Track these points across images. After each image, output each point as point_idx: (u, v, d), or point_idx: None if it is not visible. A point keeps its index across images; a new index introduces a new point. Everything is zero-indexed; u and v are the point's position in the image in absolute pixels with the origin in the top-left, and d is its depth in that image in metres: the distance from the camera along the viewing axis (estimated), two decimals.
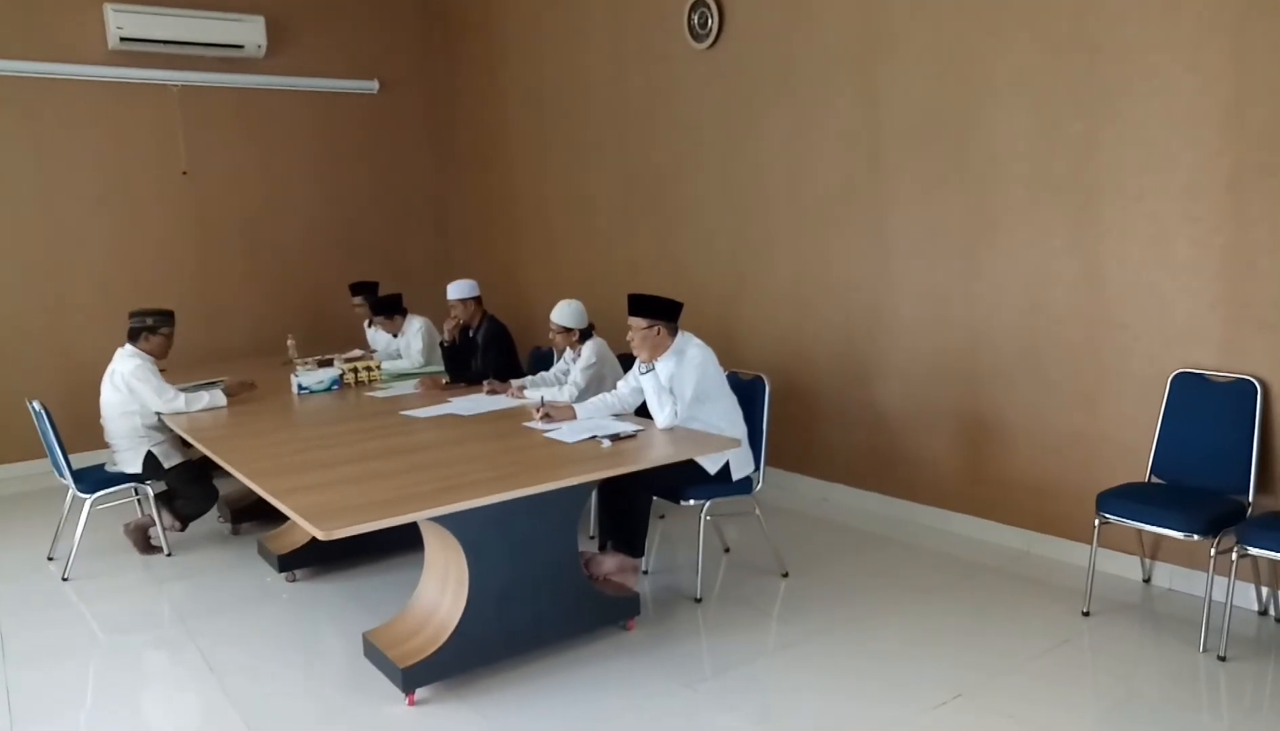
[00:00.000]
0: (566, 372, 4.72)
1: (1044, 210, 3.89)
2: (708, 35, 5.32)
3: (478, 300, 5.18)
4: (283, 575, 4.25)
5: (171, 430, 4.70)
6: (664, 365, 3.71)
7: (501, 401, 4.41)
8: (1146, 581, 3.75)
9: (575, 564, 3.36)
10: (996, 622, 3.48)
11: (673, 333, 3.77)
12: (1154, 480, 3.56)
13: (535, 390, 4.50)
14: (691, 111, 5.54)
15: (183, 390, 4.64)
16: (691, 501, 3.76)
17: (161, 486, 4.73)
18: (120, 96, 6.73)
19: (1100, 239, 3.72)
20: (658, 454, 3.35)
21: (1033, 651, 3.22)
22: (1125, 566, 3.79)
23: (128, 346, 4.64)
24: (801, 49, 4.82)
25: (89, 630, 3.85)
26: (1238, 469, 3.33)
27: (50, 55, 6.44)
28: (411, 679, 3.01)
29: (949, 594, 3.77)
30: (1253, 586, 3.40)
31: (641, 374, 3.73)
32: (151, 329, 4.64)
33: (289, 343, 6.50)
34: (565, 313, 4.47)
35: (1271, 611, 3.40)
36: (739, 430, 3.81)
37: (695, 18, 5.38)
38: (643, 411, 4.00)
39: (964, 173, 4.16)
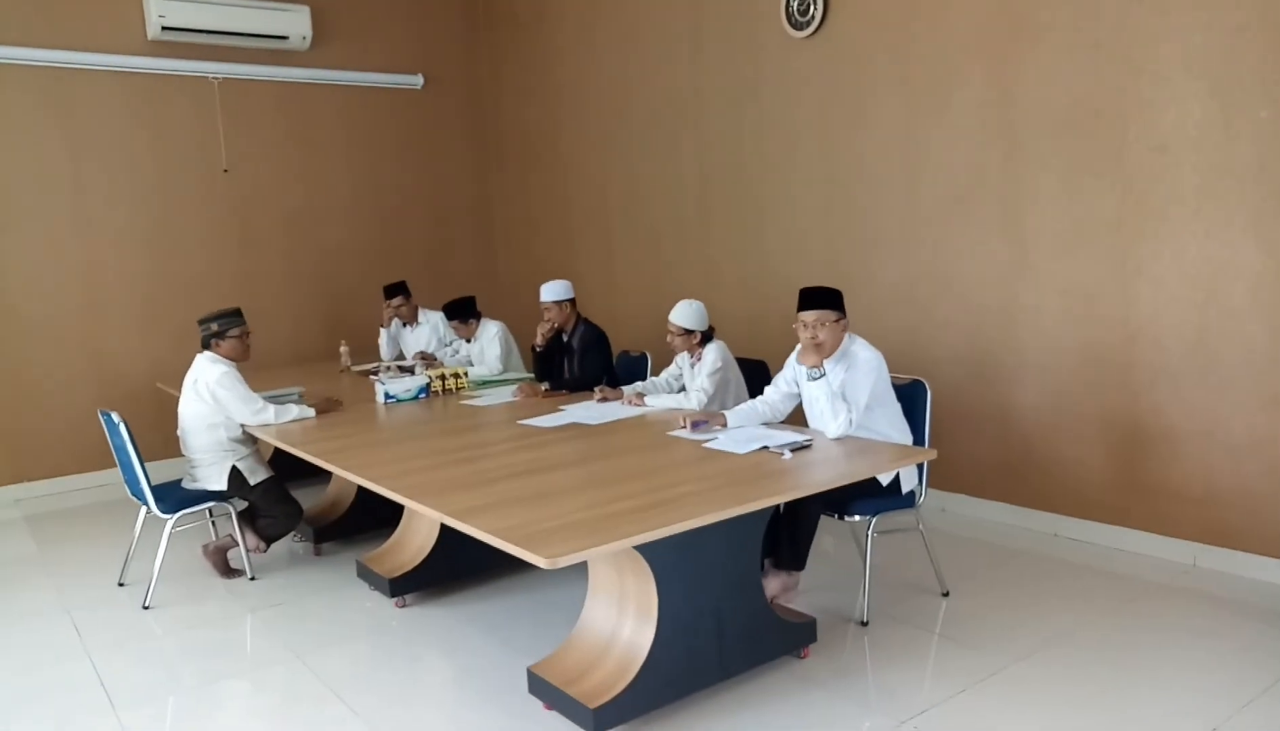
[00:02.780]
0: (679, 377, 4.42)
1: (1221, 201, 3.65)
2: (809, 23, 5.05)
3: (572, 302, 4.87)
4: (390, 600, 3.91)
5: (256, 444, 4.36)
6: (832, 369, 3.42)
7: (624, 409, 4.09)
8: None
9: (758, 587, 3.06)
10: (1204, 646, 3.22)
11: (845, 329, 3.48)
12: None
13: (655, 398, 4.19)
14: (785, 104, 5.27)
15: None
16: (857, 517, 3.47)
17: (243, 504, 4.36)
18: (159, 89, 6.36)
19: None
20: (850, 467, 3.06)
21: (1262, 681, 2.96)
22: None
23: (206, 354, 4.27)
24: (922, 34, 4.56)
25: (196, 665, 3.48)
26: None
27: (87, 45, 6.05)
28: (604, 719, 2.69)
29: (1134, 612, 3.50)
30: None
31: (812, 379, 3.44)
32: (219, 334, 4.26)
33: (342, 349, 6.16)
34: (687, 313, 4.16)
35: None
36: (906, 438, 3.54)
37: (795, 4, 5.12)
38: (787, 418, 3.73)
39: (1122, 162, 3.92)
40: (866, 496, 3.45)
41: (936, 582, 3.79)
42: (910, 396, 3.66)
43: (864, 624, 3.49)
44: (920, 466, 3.61)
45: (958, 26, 4.42)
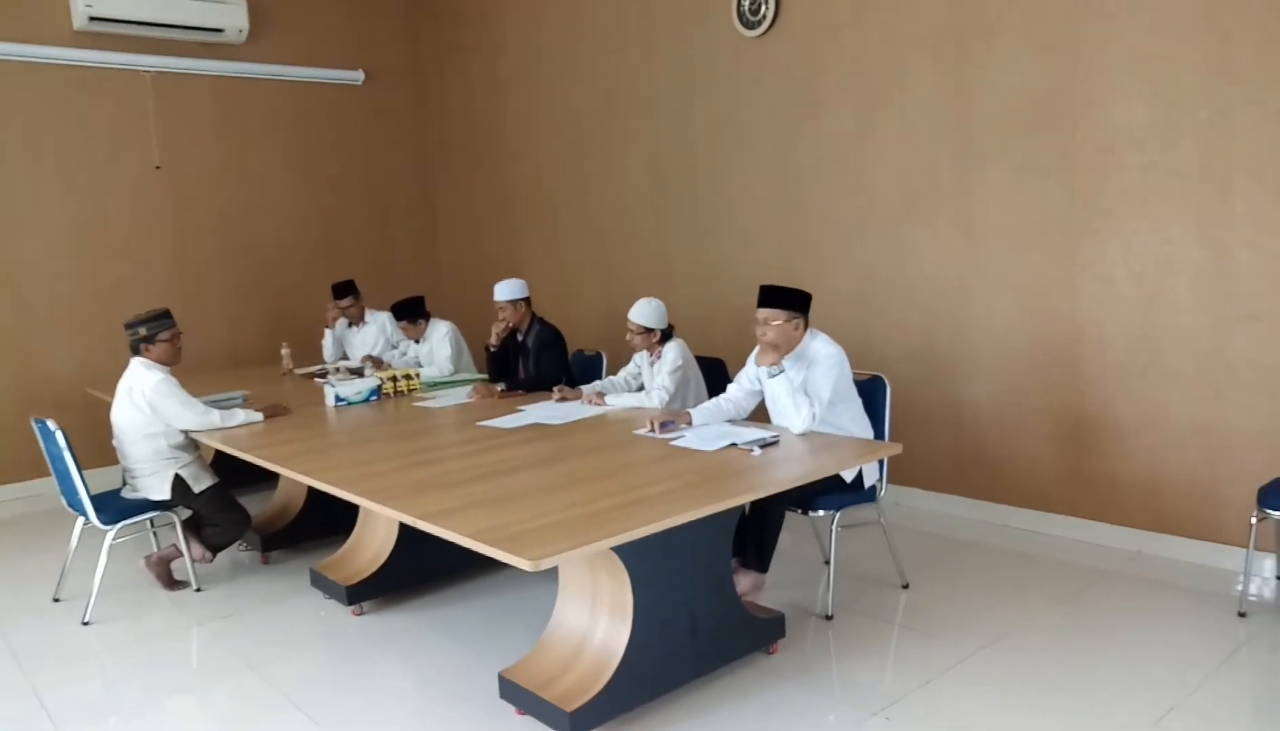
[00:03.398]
0: (637, 376, 4.40)
1: (1165, 199, 3.77)
2: (761, 22, 5.08)
3: (527, 301, 4.81)
4: (347, 608, 3.80)
5: (198, 450, 4.21)
6: (793, 366, 3.44)
7: (584, 409, 4.06)
8: (1279, 578, 3.67)
9: (729, 584, 3.06)
10: (1156, 628, 3.32)
11: (805, 328, 3.50)
12: None
13: (615, 397, 4.17)
14: (738, 103, 5.29)
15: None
16: (821, 512, 3.50)
17: (187, 513, 4.20)
18: (88, 83, 6.10)
19: (1231, 228, 3.62)
20: (819, 463, 3.08)
21: (1215, 658, 3.07)
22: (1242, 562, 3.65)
23: (138, 360, 4.09)
24: (874, 35, 4.62)
25: (144, 680, 3.34)
26: None
27: (10, 35, 5.77)
28: (580, 722, 2.65)
29: (1086, 600, 3.60)
30: None
31: (771, 376, 3.45)
32: (148, 338, 4.06)
33: (284, 351, 6.00)
34: (647, 311, 4.14)
35: None
36: (868, 432, 3.58)
37: (746, 4, 5.14)
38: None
39: (1070, 161, 4.02)
40: (830, 491, 3.48)
41: (896, 575, 3.84)
42: (870, 392, 3.71)
43: (828, 618, 3.52)
44: (881, 460, 3.65)
45: (909, 28, 4.49)
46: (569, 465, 3.16)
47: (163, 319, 4.09)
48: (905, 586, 3.79)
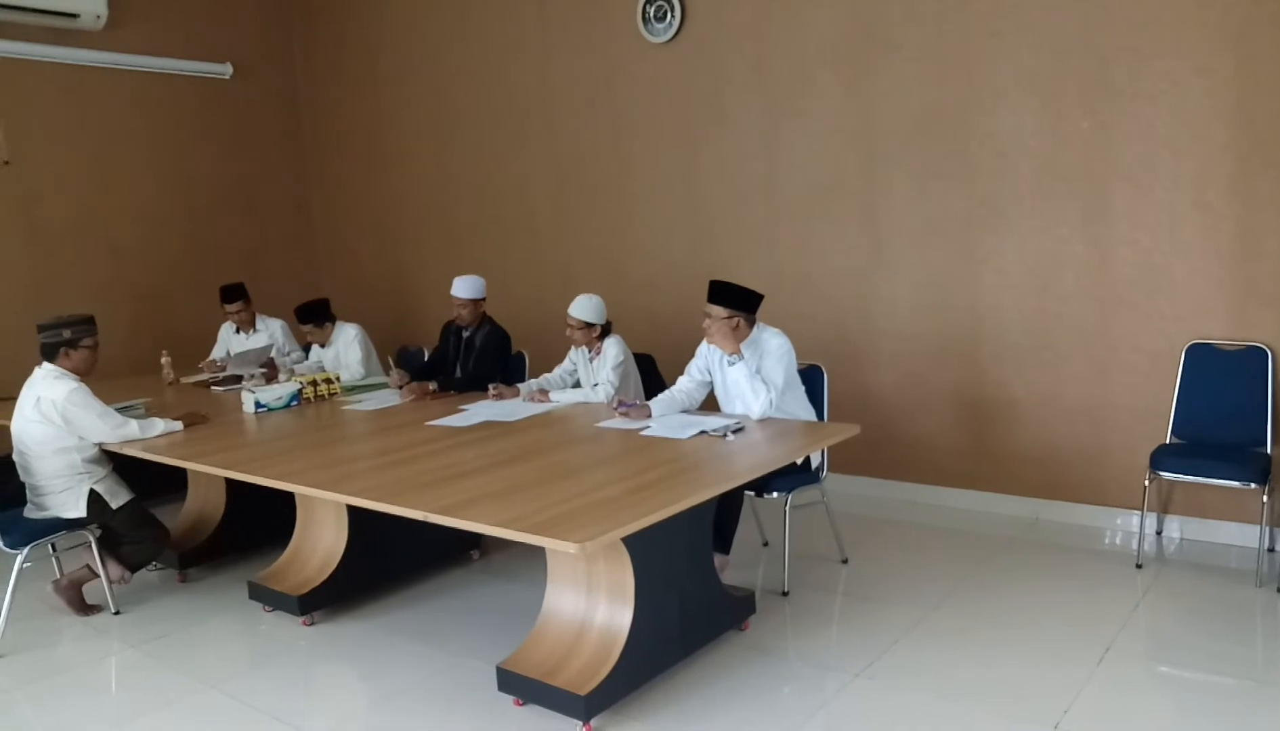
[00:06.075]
0: (573, 372, 4.46)
1: (1053, 201, 4.22)
2: (667, 28, 5.25)
3: (484, 301, 4.77)
4: (297, 619, 3.66)
5: (113, 463, 3.93)
6: (749, 354, 3.63)
7: (530, 406, 4.09)
8: (1159, 533, 4.17)
9: (710, 565, 3.19)
10: (1070, 583, 3.71)
11: (751, 324, 3.69)
12: (1175, 440, 3.97)
13: (559, 393, 4.22)
14: (644, 106, 5.44)
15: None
16: (775, 493, 3.70)
17: (99, 531, 3.91)
18: None
19: (1111, 226, 4.10)
20: (789, 447, 3.27)
21: (1127, 604, 3.48)
22: (1131, 521, 4.14)
23: (48, 366, 3.80)
24: (780, 45, 4.88)
25: (108, 711, 3.10)
26: (1255, 425, 3.80)
27: None
28: (595, 704, 2.72)
29: (1001, 564, 3.95)
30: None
31: (730, 364, 3.62)
32: (71, 342, 3.82)
33: (164, 360, 5.64)
34: (587, 307, 4.21)
35: None
36: (813, 416, 3.81)
37: (651, 10, 5.29)
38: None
39: (967, 166, 4.42)
40: (782, 473, 3.68)
41: (834, 551, 4.08)
42: (811, 379, 3.95)
43: (785, 594, 3.72)
44: None
45: (812, 39, 4.77)
46: (548, 459, 3.21)
47: (89, 324, 3.85)
48: (845, 561, 4.05)
